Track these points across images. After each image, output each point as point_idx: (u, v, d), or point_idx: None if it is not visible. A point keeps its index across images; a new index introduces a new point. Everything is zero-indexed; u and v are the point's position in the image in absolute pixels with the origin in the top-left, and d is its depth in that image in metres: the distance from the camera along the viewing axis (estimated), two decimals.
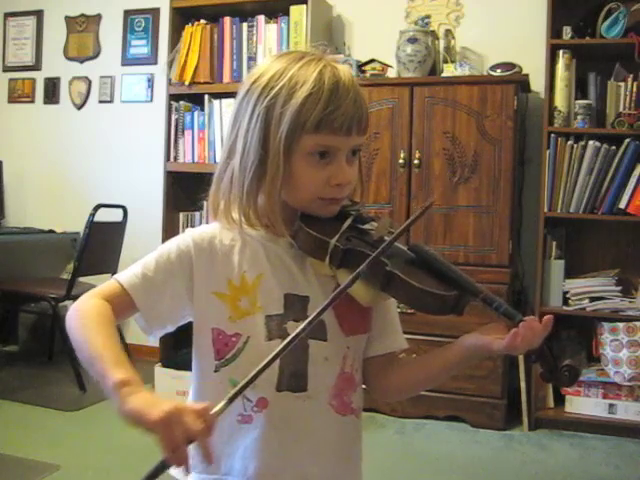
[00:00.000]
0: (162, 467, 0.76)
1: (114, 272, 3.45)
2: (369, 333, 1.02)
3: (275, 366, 0.92)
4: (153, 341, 3.68)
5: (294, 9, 3.41)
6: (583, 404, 3.00)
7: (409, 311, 2.54)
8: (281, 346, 0.81)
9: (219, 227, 1.00)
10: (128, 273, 0.97)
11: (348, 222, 0.96)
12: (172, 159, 3.66)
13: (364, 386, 1.04)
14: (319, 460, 0.97)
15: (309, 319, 0.83)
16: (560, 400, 3.06)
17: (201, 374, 1.00)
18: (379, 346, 1.03)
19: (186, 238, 0.98)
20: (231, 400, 0.78)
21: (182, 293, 0.96)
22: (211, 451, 0.76)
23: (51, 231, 4.06)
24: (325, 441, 0.97)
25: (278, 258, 0.97)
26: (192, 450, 1.00)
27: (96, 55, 4.29)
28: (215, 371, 0.96)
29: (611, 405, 2.97)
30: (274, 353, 0.80)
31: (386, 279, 0.89)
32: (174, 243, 0.99)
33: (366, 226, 0.97)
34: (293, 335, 0.82)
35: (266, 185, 0.94)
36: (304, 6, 3.38)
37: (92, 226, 3.39)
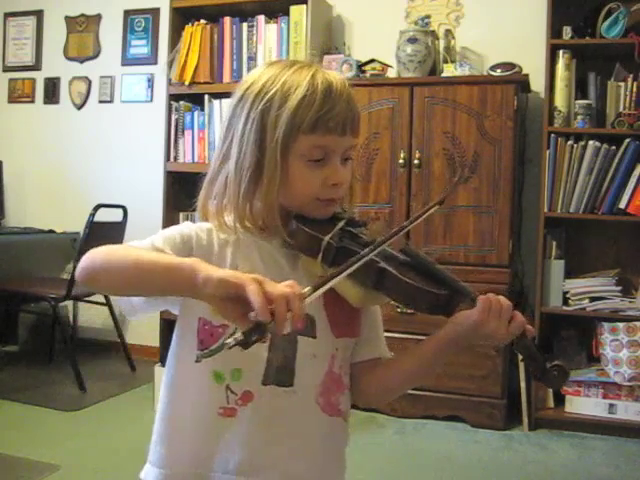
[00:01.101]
0: (259, 325, 0.75)
1: None
2: (357, 338, 1.03)
3: (262, 360, 0.94)
4: (153, 341, 3.69)
5: (294, 9, 3.41)
6: (583, 404, 3.00)
7: (409, 311, 2.55)
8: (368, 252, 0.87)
9: (213, 226, 1.00)
10: (139, 244, 0.95)
11: (341, 223, 0.98)
12: (172, 159, 3.66)
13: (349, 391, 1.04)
14: (303, 457, 0.96)
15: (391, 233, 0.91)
16: (560, 400, 3.06)
17: (178, 365, 0.99)
18: (366, 351, 1.04)
19: (188, 227, 0.99)
20: (316, 288, 0.80)
21: None
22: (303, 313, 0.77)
23: (51, 231, 4.07)
24: (310, 439, 0.97)
25: (271, 257, 0.99)
26: (154, 446, 0.99)
27: (96, 55, 4.29)
28: (196, 361, 0.95)
29: (611, 405, 2.97)
30: (361, 255, 0.86)
31: (378, 276, 0.92)
32: (176, 229, 0.98)
33: (357, 230, 0.99)
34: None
35: (263, 188, 0.95)
36: (304, 6, 3.38)
37: (92, 226, 3.39)
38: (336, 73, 1.00)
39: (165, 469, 0.97)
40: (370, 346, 1.04)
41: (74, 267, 3.45)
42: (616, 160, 2.97)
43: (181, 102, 3.64)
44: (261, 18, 3.50)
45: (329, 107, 0.93)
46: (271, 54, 3.46)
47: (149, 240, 0.95)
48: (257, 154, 0.95)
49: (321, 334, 0.97)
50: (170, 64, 3.65)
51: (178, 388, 0.99)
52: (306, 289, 0.80)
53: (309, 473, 0.97)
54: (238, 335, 0.74)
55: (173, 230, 0.98)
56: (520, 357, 0.97)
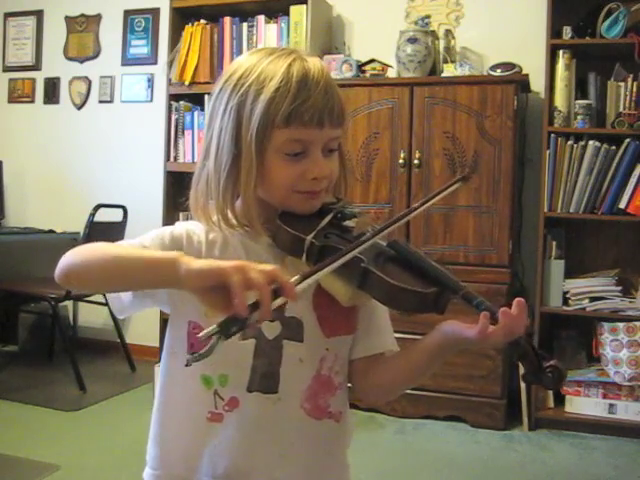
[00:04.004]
0: (236, 317, 0.72)
1: None
2: (353, 334, 0.99)
3: (247, 366, 0.92)
4: (153, 341, 3.68)
5: (294, 9, 3.41)
6: (583, 404, 3.00)
7: None
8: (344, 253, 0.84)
9: (203, 226, 0.98)
10: (127, 243, 0.94)
11: (327, 219, 0.94)
12: (172, 159, 3.66)
13: (350, 385, 1.01)
14: (289, 462, 0.95)
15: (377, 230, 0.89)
16: (560, 400, 3.06)
17: (170, 369, 0.98)
18: (362, 348, 1.00)
19: (179, 228, 0.97)
20: (304, 278, 0.78)
21: None
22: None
23: (51, 231, 4.07)
24: (296, 444, 0.95)
25: (258, 258, 0.94)
26: (149, 447, 0.99)
27: (96, 55, 4.29)
28: (186, 365, 0.93)
29: (611, 405, 2.97)
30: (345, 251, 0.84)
31: (362, 276, 0.87)
32: (167, 230, 0.96)
33: (347, 223, 0.95)
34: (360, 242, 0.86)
35: (241, 184, 0.92)
36: (304, 6, 3.38)
37: (92, 226, 3.40)
38: (316, 60, 0.94)
39: (157, 470, 0.97)
40: (366, 343, 1.00)
41: None
42: (616, 160, 2.97)
43: (181, 102, 3.65)
44: (261, 18, 3.51)
45: (303, 99, 0.88)
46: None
47: (137, 239, 0.94)
48: (234, 150, 0.91)
49: (309, 337, 0.94)
50: (170, 64, 3.65)
51: (170, 391, 0.98)
52: (293, 278, 0.77)
53: (296, 478, 0.95)
54: (213, 327, 0.71)
55: (164, 230, 0.96)
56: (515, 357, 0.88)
